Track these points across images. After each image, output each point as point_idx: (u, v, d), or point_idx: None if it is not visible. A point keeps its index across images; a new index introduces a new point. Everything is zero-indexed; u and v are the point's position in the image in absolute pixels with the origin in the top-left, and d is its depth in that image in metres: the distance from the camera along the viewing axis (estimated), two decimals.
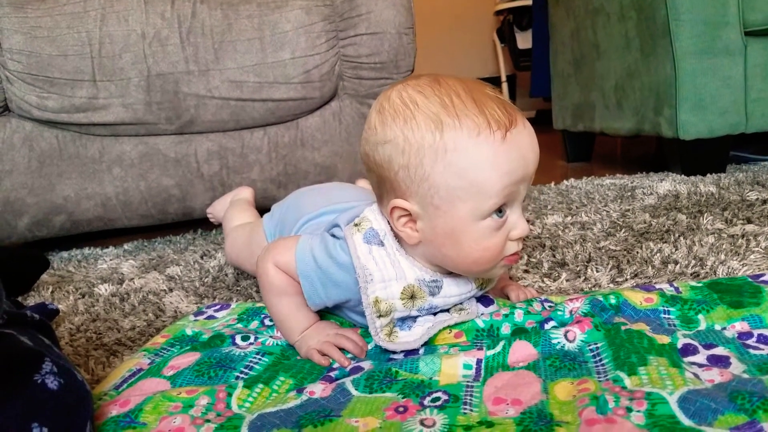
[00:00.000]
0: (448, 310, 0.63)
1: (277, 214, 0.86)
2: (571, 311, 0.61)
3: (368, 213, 0.61)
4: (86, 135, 1.25)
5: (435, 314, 0.63)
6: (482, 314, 0.65)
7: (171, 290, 0.92)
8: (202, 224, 1.46)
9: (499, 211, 0.55)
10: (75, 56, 1.18)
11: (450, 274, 0.61)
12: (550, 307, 0.64)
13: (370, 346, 0.61)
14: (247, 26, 1.25)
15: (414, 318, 0.62)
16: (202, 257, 1.12)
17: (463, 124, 0.53)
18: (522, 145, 0.54)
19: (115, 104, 1.21)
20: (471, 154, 0.53)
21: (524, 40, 3.77)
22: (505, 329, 0.61)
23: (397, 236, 0.59)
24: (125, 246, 1.33)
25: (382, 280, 0.58)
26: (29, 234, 1.27)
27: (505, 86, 4.10)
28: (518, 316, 0.62)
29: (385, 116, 0.56)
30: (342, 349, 0.59)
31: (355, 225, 0.60)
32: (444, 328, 0.62)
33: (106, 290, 0.95)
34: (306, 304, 0.62)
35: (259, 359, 0.58)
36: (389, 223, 0.59)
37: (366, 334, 0.63)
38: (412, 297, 0.59)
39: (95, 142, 1.26)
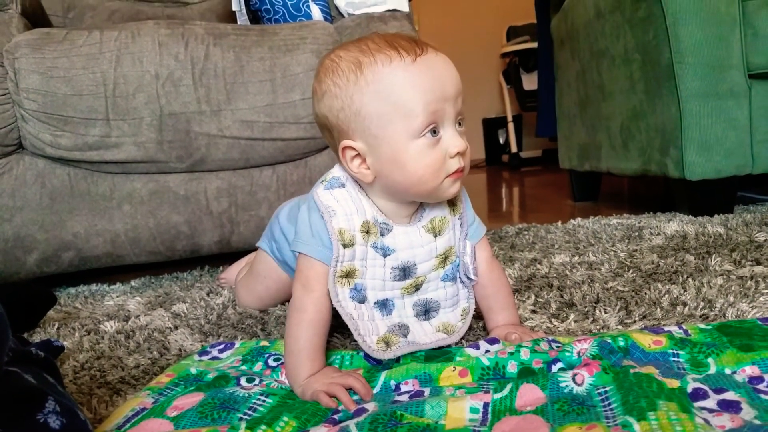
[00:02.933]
0: (427, 316, 0.71)
1: (267, 232, 0.97)
2: (579, 352, 0.60)
3: (333, 168, 0.72)
4: (98, 172, 1.27)
5: (408, 335, 0.68)
6: (487, 351, 0.65)
7: (176, 328, 0.92)
8: (209, 261, 1.46)
9: (434, 131, 0.62)
10: (89, 96, 1.20)
11: (401, 222, 0.69)
12: (557, 347, 0.63)
13: (374, 391, 0.60)
14: (259, 68, 1.28)
15: (390, 308, 0.69)
16: (208, 294, 1.12)
17: (377, 58, 0.62)
18: (433, 65, 0.63)
19: (127, 143, 1.23)
20: (388, 79, 0.62)
21: (530, 82, 3.83)
22: (512, 367, 0.60)
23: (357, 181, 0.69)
24: (132, 282, 1.33)
25: (345, 214, 0.67)
26: (38, 270, 1.28)
27: (511, 126, 4.15)
28: (524, 354, 0.61)
29: (319, 77, 0.66)
30: (348, 391, 0.59)
31: (321, 181, 0.71)
32: (447, 365, 0.61)
33: (111, 327, 0.95)
34: (322, 349, 0.65)
35: (264, 401, 0.57)
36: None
37: (369, 377, 0.62)
38: (368, 232, 0.67)
39: (106, 179, 1.27)
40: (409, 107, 0.61)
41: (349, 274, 0.67)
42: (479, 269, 0.74)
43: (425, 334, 0.69)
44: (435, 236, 0.70)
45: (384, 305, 0.69)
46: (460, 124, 0.65)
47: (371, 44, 0.63)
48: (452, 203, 0.73)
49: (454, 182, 0.65)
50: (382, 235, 0.68)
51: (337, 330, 0.81)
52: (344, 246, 0.66)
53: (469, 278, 0.72)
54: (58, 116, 1.20)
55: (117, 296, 1.20)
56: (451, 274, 0.73)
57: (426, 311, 0.71)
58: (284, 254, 0.90)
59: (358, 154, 0.65)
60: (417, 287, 0.71)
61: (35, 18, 1.39)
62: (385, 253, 0.68)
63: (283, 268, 0.93)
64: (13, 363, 0.47)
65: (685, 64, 1.39)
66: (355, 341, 0.77)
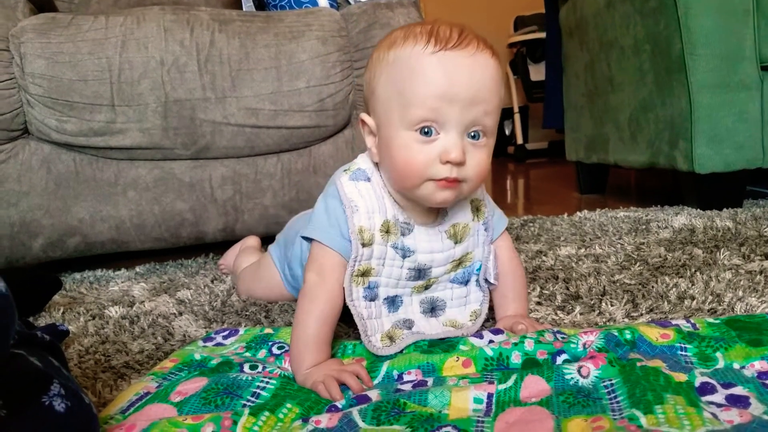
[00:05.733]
0: (434, 314, 0.71)
1: (282, 239, 0.91)
2: (584, 344, 0.60)
3: (358, 158, 0.70)
4: (103, 158, 1.27)
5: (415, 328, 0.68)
6: (491, 342, 0.64)
7: (180, 314, 0.92)
8: (213, 248, 1.46)
9: (426, 130, 0.59)
10: (95, 81, 1.20)
11: (422, 222, 0.67)
12: (562, 338, 0.63)
13: (376, 381, 0.60)
14: (264, 55, 1.27)
15: (398, 304, 0.69)
16: (212, 281, 1.12)
17: (407, 42, 0.60)
18: (455, 63, 0.58)
19: (132, 129, 1.23)
20: (403, 64, 0.59)
21: (537, 73, 3.80)
22: (516, 358, 0.60)
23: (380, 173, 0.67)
24: (137, 269, 1.33)
25: (367, 211, 0.65)
26: (43, 255, 1.28)
27: (517, 117, 4.12)
28: (529, 345, 0.61)
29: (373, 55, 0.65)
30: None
31: (345, 170, 0.69)
32: (450, 355, 0.61)
33: (116, 312, 0.95)
34: (329, 340, 0.64)
35: (267, 382, 0.57)
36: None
37: (372, 367, 0.62)
38: (388, 231, 0.66)
39: (111, 165, 1.27)
40: (407, 96, 0.59)
41: (365, 273, 0.66)
42: (501, 259, 0.74)
43: (431, 328, 0.69)
44: (455, 243, 0.69)
45: (392, 302, 0.69)
46: (474, 136, 0.60)
47: (420, 28, 0.61)
48: (477, 209, 0.72)
49: (439, 189, 0.61)
50: (403, 235, 0.67)
51: (341, 318, 0.81)
52: (363, 245, 0.65)
53: (488, 282, 0.72)
54: (63, 101, 1.20)
55: (122, 282, 1.20)
56: (461, 277, 0.72)
57: (432, 309, 0.71)
58: (295, 274, 0.85)
59: (372, 131, 0.65)
60: (427, 287, 0.71)
61: (41, 3, 1.38)
62: (405, 254, 0.67)
63: (286, 284, 0.90)
64: (19, 346, 0.47)
65: (696, 55, 1.38)
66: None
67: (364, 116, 0.65)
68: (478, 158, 0.61)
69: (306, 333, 0.63)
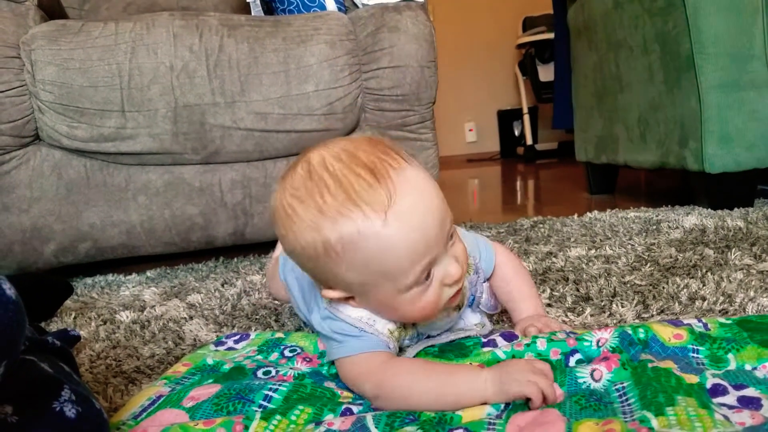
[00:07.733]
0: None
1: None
2: (598, 341, 0.59)
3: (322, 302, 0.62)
4: (113, 164, 1.28)
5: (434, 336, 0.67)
6: (503, 346, 0.64)
7: (191, 318, 0.92)
8: (224, 252, 1.47)
9: (426, 277, 0.55)
10: (105, 87, 1.21)
11: None
12: (575, 336, 0.62)
13: None
14: (273, 60, 1.28)
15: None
16: (222, 285, 1.13)
17: (341, 226, 0.52)
18: (408, 213, 0.52)
19: (142, 134, 1.24)
20: (362, 249, 0.52)
21: (546, 73, 3.79)
22: (529, 359, 0.59)
23: None
24: (148, 273, 1.34)
25: (380, 318, 0.60)
26: (55, 260, 1.30)
27: (527, 118, 4.12)
28: (541, 345, 0.60)
29: (278, 226, 0.57)
30: None
31: (325, 308, 0.62)
32: (464, 361, 0.61)
33: (127, 317, 0.95)
34: (438, 363, 0.61)
35: (280, 384, 0.57)
36: None
37: None
38: (404, 326, 0.62)
39: (122, 170, 1.28)
40: (395, 271, 0.53)
41: None
42: (501, 272, 0.72)
43: (440, 339, 0.69)
44: (459, 308, 0.68)
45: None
46: (449, 236, 0.57)
47: (328, 198, 0.52)
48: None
49: (452, 303, 0.60)
50: (414, 325, 0.64)
51: None
52: (396, 340, 0.62)
53: (486, 312, 0.72)
54: (74, 107, 1.21)
55: (133, 287, 1.21)
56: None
57: (438, 334, 0.70)
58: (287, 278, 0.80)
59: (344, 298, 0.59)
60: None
61: (51, 10, 1.40)
62: (420, 337, 0.66)
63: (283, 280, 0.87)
64: (30, 352, 0.47)
65: (705, 54, 1.37)
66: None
67: (329, 293, 0.58)
68: (459, 252, 0.58)
69: (430, 385, 0.54)
